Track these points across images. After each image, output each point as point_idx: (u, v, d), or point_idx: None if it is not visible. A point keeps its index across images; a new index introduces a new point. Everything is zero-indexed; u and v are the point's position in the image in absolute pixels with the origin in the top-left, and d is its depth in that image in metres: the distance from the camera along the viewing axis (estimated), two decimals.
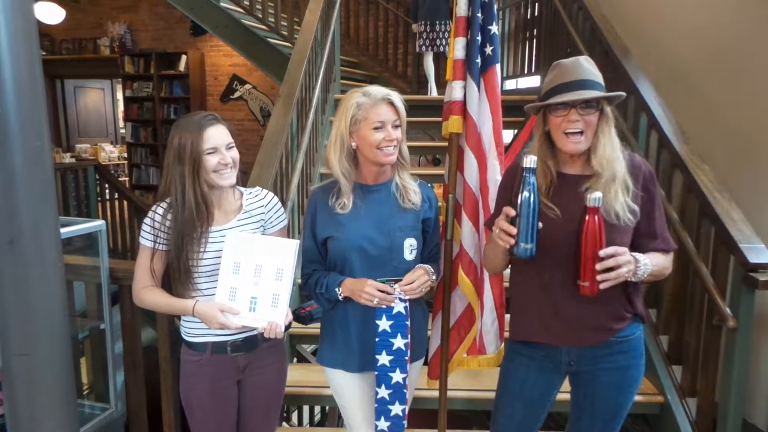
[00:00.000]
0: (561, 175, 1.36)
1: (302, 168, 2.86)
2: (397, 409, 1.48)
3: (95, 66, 7.51)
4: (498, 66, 1.65)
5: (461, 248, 1.69)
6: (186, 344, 1.51)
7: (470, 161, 1.67)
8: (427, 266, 1.49)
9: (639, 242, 1.33)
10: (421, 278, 1.44)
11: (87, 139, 8.42)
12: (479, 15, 1.61)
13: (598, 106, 1.29)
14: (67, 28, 7.39)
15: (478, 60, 1.63)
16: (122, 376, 2.12)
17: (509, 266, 1.48)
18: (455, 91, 1.65)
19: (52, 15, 6.81)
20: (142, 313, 2.12)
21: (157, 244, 1.45)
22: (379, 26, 6.20)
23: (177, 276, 1.43)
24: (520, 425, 1.49)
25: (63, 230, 1.54)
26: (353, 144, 1.43)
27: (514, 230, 1.23)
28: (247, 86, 6.96)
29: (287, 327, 1.57)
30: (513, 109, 2.94)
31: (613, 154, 1.29)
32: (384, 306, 1.42)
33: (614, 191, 1.27)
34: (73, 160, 6.68)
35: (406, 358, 1.45)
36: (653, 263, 1.29)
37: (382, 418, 1.49)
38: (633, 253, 1.26)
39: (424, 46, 4.85)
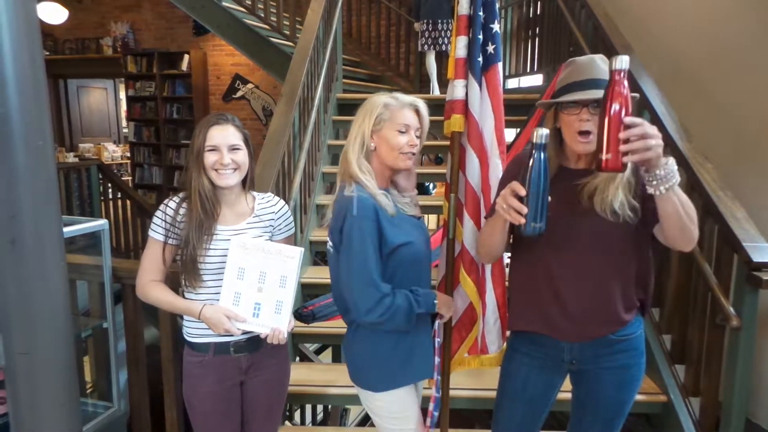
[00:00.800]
0: (564, 169, 1.36)
1: (304, 167, 2.86)
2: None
3: (98, 66, 7.53)
4: (500, 64, 1.65)
5: (463, 247, 1.69)
6: (188, 345, 1.51)
7: (472, 160, 1.67)
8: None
9: (647, 228, 1.28)
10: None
11: (90, 138, 8.45)
12: (481, 13, 1.61)
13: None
14: (70, 28, 7.41)
15: (480, 59, 1.63)
16: (125, 374, 2.12)
17: (508, 267, 1.48)
18: (457, 89, 1.65)
19: (55, 15, 6.84)
20: (145, 313, 2.13)
21: (168, 238, 1.46)
22: (381, 25, 6.20)
23: (185, 269, 1.44)
24: (521, 424, 1.48)
25: (66, 229, 1.54)
26: (373, 145, 1.40)
27: (525, 209, 1.17)
28: (250, 85, 6.96)
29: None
30: (515, 108, 2.94)
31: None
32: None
33: (614, 189, 1.26)
34: (77, 159, 6.71)
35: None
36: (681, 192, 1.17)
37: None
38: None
39: (426, 45, 4.85)
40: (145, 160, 7.36)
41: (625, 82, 1.10)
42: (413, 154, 1.41)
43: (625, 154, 1.09)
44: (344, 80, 4.44)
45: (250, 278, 1.41)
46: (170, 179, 7.23)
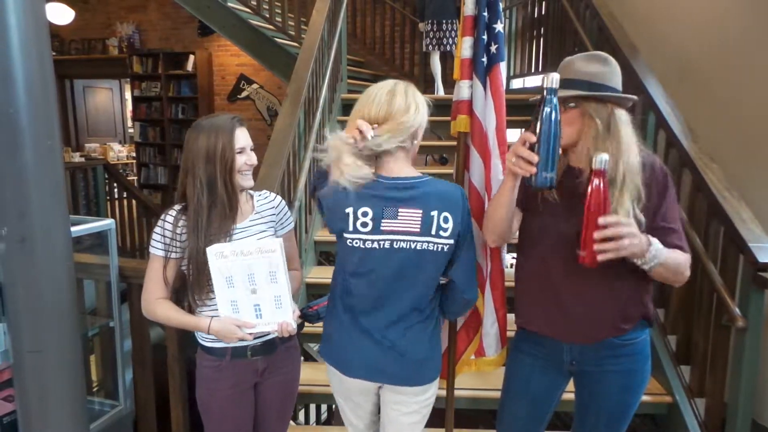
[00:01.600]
0: (570, 167, 1.36)
1: (309, 167, 2.87)
2: None
3: (104, 66, 7.57)
4: (503, 64, 1.65)
5: None
6: (204, 349, 1.50)
7: (476, 160, 1.67)
8: None
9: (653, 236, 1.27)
10: None
11: (96, 138, 8.49)
12: (485, 14, 1.61)
13: (570, 104, 1.25)
14: (76, 29, 7.45)
15: (484, 59, 1.63)
16: (131, 373, 2.13)
17: (512, 267, 1.48)
18: (463, 90, 1.65)
19: (61, 15, 6.88)
20: None
21: (169, 253, 1.44)
22: (386, 25, 6.20)
23: (193, 278, 1.42)
24: (525, 423, 1.49)
25: (73, 229, 1.55)
26: (416, 141, 1.45)
27: (535, 158, 1.14)
28: (254, 86, 6.98)
29: (300, 326, 1.58)
30: (519, 108, 2.92)
31: (595, 154, 1.19)
32: None
33: (618, 195, 1.23)
34: (83, 159, 6.74)
35: None
36: (669, 255, 1.22)
37: None
38: (648, 235, 1.19)
39: (430, 45, 4.85)
40: (151, 160, 7.40)
41: (603, 181, 1.14)
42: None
43: (600, 251, 1.13)
44: (349, 80, 4.45)
45: (240, 283, 1.38)
46: (175, 179, 7.21)
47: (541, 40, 4.61)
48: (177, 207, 1.47)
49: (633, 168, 1.24)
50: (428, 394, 1.46)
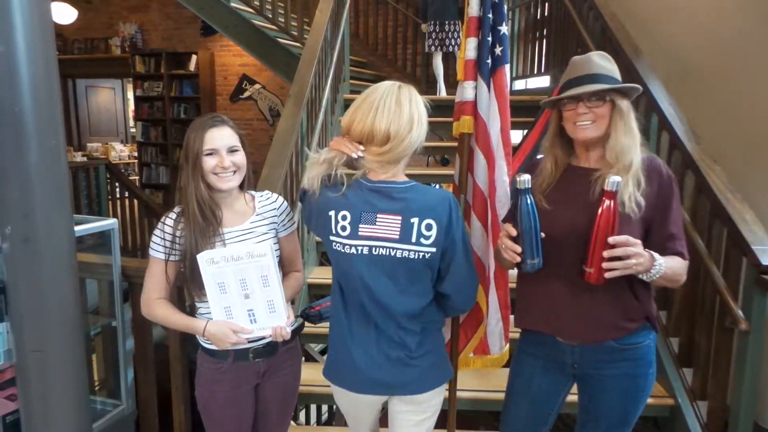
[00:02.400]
0: (573, 167, 1.38)
1: None
2: None
3: (106, 65, 7.59)
4: (507, 66, 1.65)
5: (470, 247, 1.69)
6: (205, 351, 1.49)
7: (479, 162, 1.67)
8: None
9: (655, 243, 1.31)
10: None
11: (98, 138, 8.51)
12: (490, 15, 1.62)
13: (606, 98, 1.29)
14: (78, 28, 7.47)
15: (489, 60, 1.63)
16: (132, 373, 2.13)
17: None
18: (466, 91, 1.65)
19: (64, 15, 6.90)
20: None
21: (169, 256, 1.43)
22: (389, 26, 6.21)
23: (190, 279, 1.41)
24: (526, 424, 1.49)
25: (76, 228, 1.55)
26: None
27: (519, 249, 1.26)
28: (257, 86, 6.99)
29: (300, 327, 1.56)
30: (522, 110, 2.93)
31: (625, 147, 1.29)
32: None
33: (624, 180, 1.27)
34: (85, 158, 6.76)
35: None
36: (669, 266, 1.27)
37: None
38: (651, 252, 1.24)
39: (433, 46, 4.85)
40: (153, 160, 7.40)
41: (613, 202, 1.20)
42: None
43: (608, 270, 1.19)
44: (351, 81, 4.45)
45: (232, 289, 1.36)
46: (177, 179, 7.25)
47: (544, 41, 4.60)
48: (177, 209, 1.45)
49: (637, 156, 1.31)
50: (441, 397, 1.45)
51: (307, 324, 1.90)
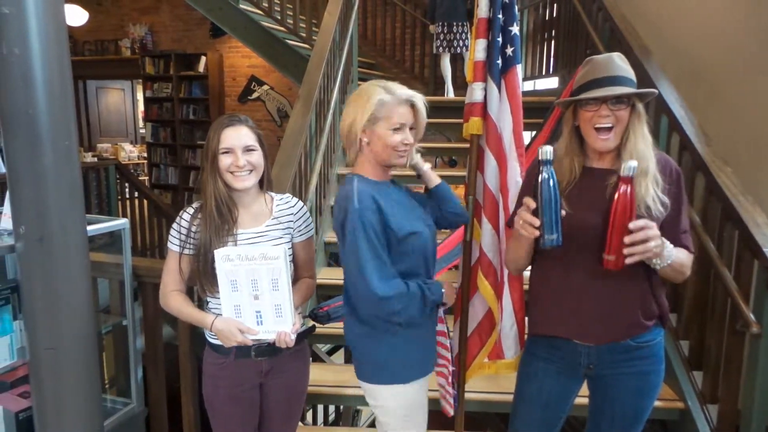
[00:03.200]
0: (589, 169, 1.37)
1: (320, 169, 2.88)
2: None
3: (116, 67, 7.65)
4: (519, 67, 1.65)
5: (480, 250, 1.69)
6: (210, 346, 1.51)
7: (490, 162, 1.67)
8: None
9: (668, 237, 1.30)
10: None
11: (108, 138, 8.58)
12: (500, 16, 1.61)
13: (629, 102, 1.30)
14: (89, 30, 7.54)
15: (499, 61, 1.63)
16: (142, 371, 2.15)
17: (528, 271, 1.48)
18: (476, 92, 1.65)
19: (75, 17, 6.97)
20: (162, 311, 2.15)
21: (183, 249, 1.45)
22: (396, 27, 6.21)
23: (203, 274, 1.43)
24: (538, 428, 1.48)
25: (88, 228, 1.56)
26: (365, 139, 1.37)
27: (537, 222, 1.22)
28: (265, 87, 7.02)
29: (309, 330, 1.56)
30: (531, 111, 2.90)
31: (644, 150, 1.29)
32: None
33: (645, 185, 1.28)
34: (95, 159, 6.82)
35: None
36: (678, 255, 1.28)
37: None
38: (661, 237, 1.24)
39: (441, 47, 4.84)
40: (162, 161, 7.45)
41: (630, 188, 1.19)
42: (407, 151, 1.38)
43: (629, 255, 1.19)
44: (359, 82, 4.46)
45: (243, 288, 1.38)
46: (186, 179, 7.32)
47: (553, 42, 4.59)
48: (196, 204, 1.48)
49: (652, 159, 1.31)
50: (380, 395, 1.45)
51: (317, 324, 1.91)
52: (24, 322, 1.33)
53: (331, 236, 3.09)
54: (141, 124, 8.89)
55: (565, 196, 1.32)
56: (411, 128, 1.38)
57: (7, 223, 1.56)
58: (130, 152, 8.53)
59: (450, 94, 5.06)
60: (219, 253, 1.36)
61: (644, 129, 1.31)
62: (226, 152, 1.41)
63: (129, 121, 8.99)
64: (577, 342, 1.38)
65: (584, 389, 1.47)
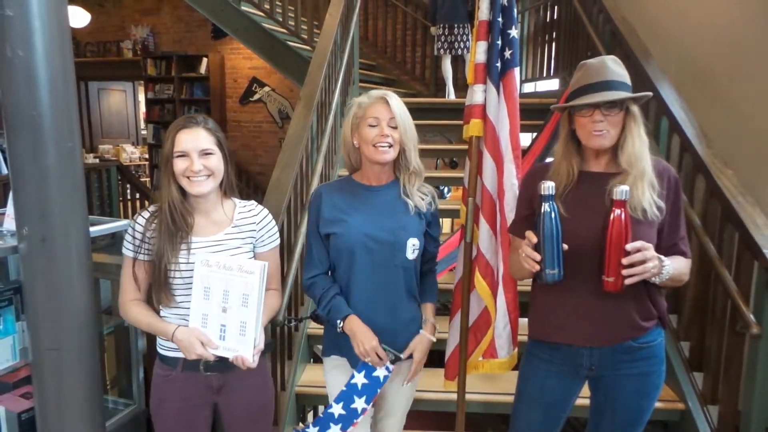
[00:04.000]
0: (586, 173, 1.38)
1: (322, 170, 2.88)
2: None
3: (118, 68, 7.68)
4: (516, 70, 1.66)
5: (478, 251, 1.70)
6: (159, 357, 1.44)
7: (489, 165, 1.68)
8: (429, 337, 1.52)
9: (666, 243, 1.34)
10: (420, 360, 1.51)
11: (109, 139, 8.60)
12: (499, 19, 1.62)
13: (622, 106, 1.30)
14: (91, 31, 7.56)
15: (498, 64, 1.64)
16: (143, 372, 2.15)
17: None
18: (476, 94, 1.66)
19: (77, 18, 6.99)
20: None
21: (138, 254, 1.38)
22: (398, 29, 6.22)
23: (157, 284, 1.37)
24: (542, 429, 1.48)
25: (91, 229, 1.57)
26: (355, 142, 1.50)
27: (538, 257, 1.25)
28: (266, 89, 7.03)
29: (268, 348, 1.45)
30: (532, 113, 2.93)
31: (640, 152, 1.30)
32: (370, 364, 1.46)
33: (642, 188, 1.28)
34: (96, 160, 6.83)
35: (355, 420, 1.47)
36: (675, 267, 1.29)
37: None
38: (658, 255, 1.26)
39: (442, 49, 4.85)
40: None
41: (624, 210, 1.21)
42: (389, 146, 1.44)
43: (628, 276, 1.21)
44: (360, 84, 4.46)
45: (214, 298, 1.32)
46: None
47: (553, 44, 4.59)
48: (151, 208, 1.40)
49: (648, 161, 1.32)
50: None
51: (315, 325, 1.92)
52: (26, 322, 1.33)
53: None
54: (142, 125, 8.91)
55: (563, 201, 1.33)
56: (393, 127, 1.44)
57: (9, 224, 1.57)
58: (132, 153, 8.54)
59: (451, 95, 5.07)
60: (199, 257, 1.33)
61: (640, 130, 1.32)
62: (180, 156, 1.33)
63: (130, 123, 9.01)
64: (579, 345, 1.38)
65: (585, 390, 1.48)
